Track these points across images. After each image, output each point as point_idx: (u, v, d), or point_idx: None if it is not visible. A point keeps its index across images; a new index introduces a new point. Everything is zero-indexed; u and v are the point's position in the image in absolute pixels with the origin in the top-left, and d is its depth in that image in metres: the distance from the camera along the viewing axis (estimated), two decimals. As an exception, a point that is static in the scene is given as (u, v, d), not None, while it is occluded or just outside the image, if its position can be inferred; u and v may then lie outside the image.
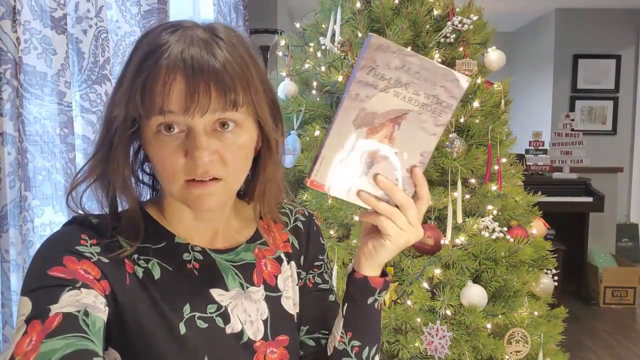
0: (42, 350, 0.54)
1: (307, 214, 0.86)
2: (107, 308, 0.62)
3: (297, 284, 0.81)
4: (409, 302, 1.57)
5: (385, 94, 0.63)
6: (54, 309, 0.57)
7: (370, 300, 0.74)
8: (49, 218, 1.23)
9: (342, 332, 0.76)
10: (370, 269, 0.73)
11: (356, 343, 0.75)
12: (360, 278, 0.73)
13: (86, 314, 0.58)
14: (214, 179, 0.64)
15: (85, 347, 0.55)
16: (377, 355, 0.78)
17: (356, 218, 1.63)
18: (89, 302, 0.59)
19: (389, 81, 0.62)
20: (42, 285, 0.59)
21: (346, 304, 0.75)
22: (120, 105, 0.63)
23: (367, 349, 0.76)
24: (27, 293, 0.59)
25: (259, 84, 0.66)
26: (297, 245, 0.82)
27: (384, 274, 0.75)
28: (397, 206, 0.66)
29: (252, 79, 0.64)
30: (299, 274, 0.82)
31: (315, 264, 0.84)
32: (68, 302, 0.58)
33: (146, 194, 0.78)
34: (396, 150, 0.65)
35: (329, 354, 0.78)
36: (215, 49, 0.62)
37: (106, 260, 0.64)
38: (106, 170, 0.67)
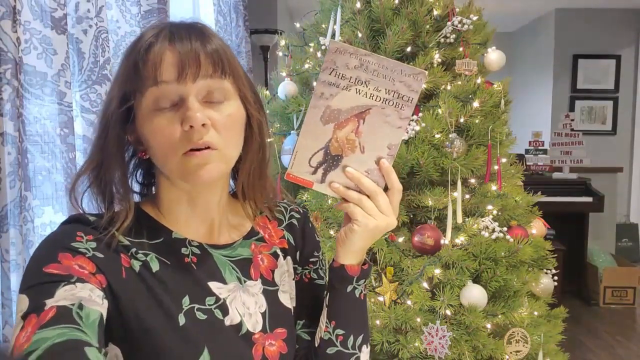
0: (34, 339, 0.54)
1: (301, 212, 0.88)
2: (105, 301, 0.62)
3: (293, 279, 0.83)
4: (409, 302, 1.56)
5: (347, 92, 0.67)
6: (49, 303, 0.57)
7: (349, 289, 0.76)
8: (49, 218, 1.23)
9: (326, 322, 0.77)
10: (346, 257, 0.75)
11: (340, 332, 0.77)
12: (337, 267, 0.76)
13: (80, 307, 0.58)
14: (210, 148, 0.66)
15: (77, 337, 0.56)
16: (364, 345, 0.79)
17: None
18: (85, 295, 0.60)
19: (350, 80, 0.67)
20: (38, 282, 0.60)
21: (328, 294, 0.77)
22: (115, 86, 0.68)
23: (351, 337, 0.77)
24: (24, 290, 0.60)
25: (240, 70, 0.71)
26: (292, 242, 0.84)
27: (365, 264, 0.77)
28: (368, 196, 0.70)
29: (234, 62, 0.70)
30: (295, 269, 0.83)
31: (311, 260, 0.85)
32: (63, 296, 0.58)
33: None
34: (363, 143, 0.69)
35: (316, 345, 0.79)
36: (201, 30, 0.68)
37: (101, 255, 0.65)
38: (101, 163, 0.69)
